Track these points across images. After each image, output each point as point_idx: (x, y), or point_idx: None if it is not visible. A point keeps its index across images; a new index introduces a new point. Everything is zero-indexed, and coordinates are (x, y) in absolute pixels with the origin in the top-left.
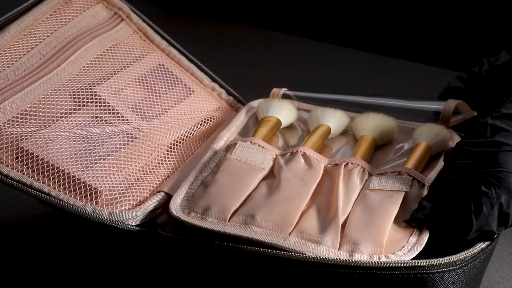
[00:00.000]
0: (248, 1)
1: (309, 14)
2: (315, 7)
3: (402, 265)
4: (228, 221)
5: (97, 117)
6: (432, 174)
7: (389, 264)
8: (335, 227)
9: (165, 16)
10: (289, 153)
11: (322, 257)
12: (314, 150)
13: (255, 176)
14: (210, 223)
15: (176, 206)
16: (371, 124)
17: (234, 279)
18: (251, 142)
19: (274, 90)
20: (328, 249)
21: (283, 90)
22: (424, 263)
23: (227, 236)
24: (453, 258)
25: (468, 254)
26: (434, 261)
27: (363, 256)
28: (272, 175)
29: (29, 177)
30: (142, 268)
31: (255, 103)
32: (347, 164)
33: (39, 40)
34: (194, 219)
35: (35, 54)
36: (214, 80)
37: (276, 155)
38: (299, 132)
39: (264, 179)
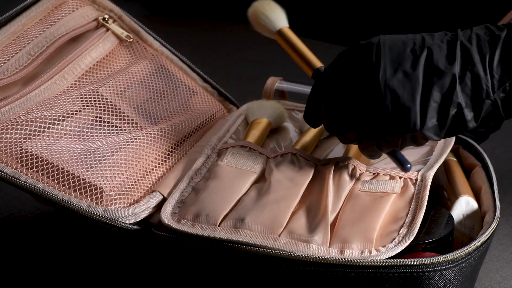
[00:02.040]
0: (248, 0)
1: (309, 14)
2: (315, 7)
3: (398, 263)
4: (218, 226)
5: (99, 117)
6: (430, 172)
7: (385, 262)
8: (324, 225)
9: (159, 17)
10: (280, 155)
11: (317, 256)
12: (306, 151)
13: (246, 181)
14: (200, 229)
15: (167, 214)
16: None
17: (229, 278)
18: (241, 146)
19: (269, 80)
20: (319, 247)
21: (278, 82)
22: (420, 262)
23: (219, 240)
24: (449, 256)
25: (464, 252)
26: (430, 260)
27: (353, 252)
28: (263, 179)
29: (28, 176)
30: (137, 266)
31: (246, 106)
32: (337, 162)
33: (27, 42)
34: (184, 226)
35: (23, 55)
36: (206, 81)
37: (267, 157)
38: (292, 133)
39: (255, 182)
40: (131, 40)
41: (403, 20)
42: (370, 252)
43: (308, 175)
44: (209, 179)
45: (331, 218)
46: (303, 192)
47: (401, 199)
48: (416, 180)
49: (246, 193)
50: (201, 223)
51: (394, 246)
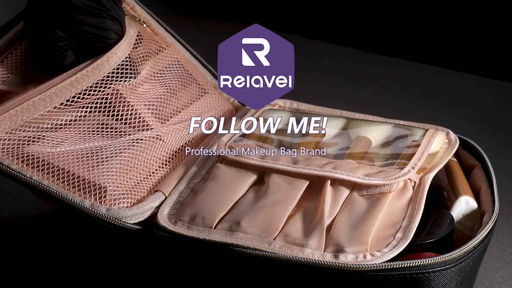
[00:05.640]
0: (249, 1)
1: (309, 14)
2: (316, 7)
3: (397, 266)
4: (214, 228)
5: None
6: (429, 175)
7: (384, 266)
8: (320, 229)
9: (170, 16)
10: (280, 156)
11: (319, 261)
12: (309, 149)
13: (244, 183)
14: (196, 232)
15: (163, 216)
16: (369, 128)
17: (230, 279)
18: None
19: None
20: (313, 251)
21: None
22: (419, 263)
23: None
24: (447, 256)
25: (461, 252)
26: (429, 261)
27: (348, 256)
28: (262, 180)
29: (33, 173)
30: (139, 266)
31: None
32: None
33: None
34: (180, 228)
35: None
36: (216, 78)
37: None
38: (296, 135)
39: (254, 184)
40: (146, 26)
41: (403, 20)
42: (364, 256)
43: (308, 179)
44: (207, 181)
45: (327, 222)
46: (301, 195)
47: (399, 200)
48: (415, 182)
49: (244, 195)
50: (197, 226)
51: (389, 250)
